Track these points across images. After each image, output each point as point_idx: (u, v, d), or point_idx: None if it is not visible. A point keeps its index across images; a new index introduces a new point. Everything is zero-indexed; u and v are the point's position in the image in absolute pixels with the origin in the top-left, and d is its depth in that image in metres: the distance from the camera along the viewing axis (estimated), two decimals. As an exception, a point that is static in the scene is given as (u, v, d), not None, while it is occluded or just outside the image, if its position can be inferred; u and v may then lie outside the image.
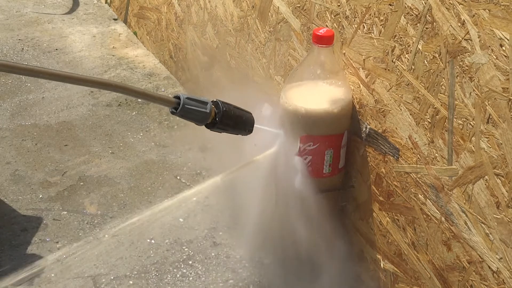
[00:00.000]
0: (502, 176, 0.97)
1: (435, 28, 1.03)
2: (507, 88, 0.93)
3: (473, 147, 1.01)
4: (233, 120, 1.14)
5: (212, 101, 1.11)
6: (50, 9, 2.66)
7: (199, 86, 1.98)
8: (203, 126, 1.13)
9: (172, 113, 1.08)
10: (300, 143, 1.25)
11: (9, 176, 1.69)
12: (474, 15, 0.95)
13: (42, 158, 1.77)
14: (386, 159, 1.21)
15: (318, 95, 1.25)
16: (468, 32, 0.97)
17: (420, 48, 1.07)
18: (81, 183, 1.68)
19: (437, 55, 1.04)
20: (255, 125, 1.19)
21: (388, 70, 1.16)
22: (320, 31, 1.20)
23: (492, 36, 0.93)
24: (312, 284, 1.37)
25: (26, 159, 1.76)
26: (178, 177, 1.71)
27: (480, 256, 1.05)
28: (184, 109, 1.07)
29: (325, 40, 1.20)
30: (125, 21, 2.52)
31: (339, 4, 1.25)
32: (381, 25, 1.15)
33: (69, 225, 1.54)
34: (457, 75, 1.01)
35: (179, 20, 2.02)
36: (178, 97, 1.07)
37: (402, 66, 1.12)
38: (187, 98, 1.07)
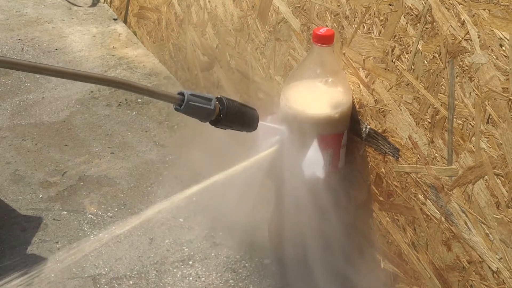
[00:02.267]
0: (502, 176, 0.97)
1: (435, 28, 1.03)
2: (507, 88, 0.93)
3: (473, 147, 1.01)
4: (237, 117, 1.13)
5: (216, 98, 1.11)
6: (50, 9, 2.66)
7: (199, 86, 1.98)
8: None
9: (176, 109, 1.07)
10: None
11: (9, 176, 1.69)
12: (474, 15, 0.95)
13: (42, 158, 1.77)
14: (386, 159, 1.21)
15: (318, 98, 1.24)
16: (468, 32, 0.97)
17: (420, 48, 1.07)
18: (81, 183, 1.68)
19: (437, 55, 1.04)
20: (259, 122, 1.18)
21: (388, 70, 1.16)
22: (320, 30, 1.20)
23: (492, 36, 0.93)
24: (311, 283, 1.37)
25: (26, 159, 1.76)
26: (178, 177, 1.71)
27: (480, 256, 1.05)
28: (188, 106, 1.06)
29: (325, 40, 1.20)
30: (125, 21, 2.52)
31: (339, 4, 1.25)
32: (381, 25, 1.15)
33: (69, 225, 1.54)
34: (457, 75, 1.01)
35: (179, 20, 2.02)
36: (182, 94, 1.07)
37: (402, 66, 1.12)
38: (191, 94, 1.07)
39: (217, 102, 1.10)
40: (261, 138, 1.27)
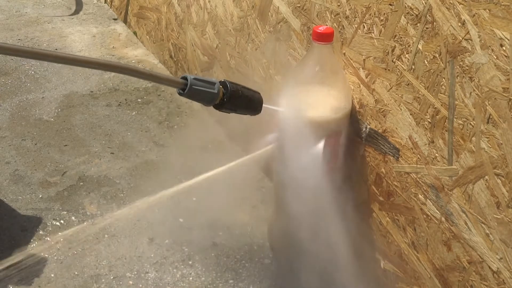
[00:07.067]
0: (502, 176, 0.97)
1: (435, 28, 1.03)
2: (508, 88, 0.93)
3: (473, 147, 1.01)
4: (241, 100, 1.13)
5: (220, 82, 1.11)
6: (50, 9, 2.66)
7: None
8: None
9: (180, 94, 1.07)
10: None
11: (9, 176, 1.69)
12: (474, 15, 0.95)
13: (42, 158, 1.76)
14: (386, 159, 1.21)
15: (317, 98, 1.24)
16: (468, 32, 0.97)
17: (420, 48, 1.07)
18: (81, 183, 1.68)
19: (437, 55, 1.04)
20: (263, 105, 1.18)
21: (388, 70, 1.16)
22: (320, 28, 1.20)
23: (492, 36, 0.93)
24: (311, 283, 1.37)
25: (26, 159, 1.76)
26: (178, 177, 1.71)
27: (480, 256, 1.05)
28: (192, 90, 1.05)
29: (325, 37, 1.20)
30: (125, 21, 2.52)
31: (339, 4, 1.25)
32: (381, 25, 1.15)
33: (69, 225, 1.54)
34: (457, 75, 1.01)
35: (179, 20, 2.02)
36: (185, 78, 1.06)
37: (402, 66, 1.12)
38: (195, 79, 1.06)
39: (221, 86, 1.10)
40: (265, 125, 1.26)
